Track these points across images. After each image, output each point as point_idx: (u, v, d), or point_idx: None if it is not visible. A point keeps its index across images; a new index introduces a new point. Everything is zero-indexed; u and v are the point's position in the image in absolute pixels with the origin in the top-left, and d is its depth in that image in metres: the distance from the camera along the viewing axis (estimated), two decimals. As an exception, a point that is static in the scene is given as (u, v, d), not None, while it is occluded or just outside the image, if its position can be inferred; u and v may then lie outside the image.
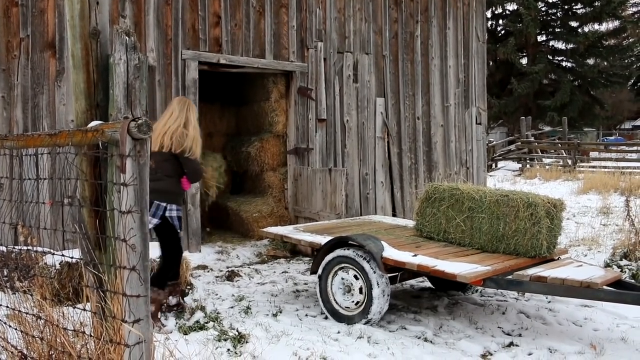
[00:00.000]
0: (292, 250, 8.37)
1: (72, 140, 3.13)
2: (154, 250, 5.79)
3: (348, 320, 5.27)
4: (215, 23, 8.34)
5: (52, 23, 7.16)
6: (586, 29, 33.16)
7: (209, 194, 9.06)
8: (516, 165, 25.60)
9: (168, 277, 5.37)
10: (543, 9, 33.93)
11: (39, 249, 5.55)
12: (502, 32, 34.08)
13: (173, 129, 5.19)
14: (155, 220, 5.16)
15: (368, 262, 5.17)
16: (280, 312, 5.61)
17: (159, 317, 5.14)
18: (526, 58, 33.84)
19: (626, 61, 36.04)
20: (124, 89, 3.08)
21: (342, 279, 5.39)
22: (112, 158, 2.99)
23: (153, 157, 5.15)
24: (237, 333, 4.85)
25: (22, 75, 7.00)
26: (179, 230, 5.37)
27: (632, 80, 39.60)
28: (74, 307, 3.48)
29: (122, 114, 3.06)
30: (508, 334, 5.16)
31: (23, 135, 3.68)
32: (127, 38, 3.11)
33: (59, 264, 5.52)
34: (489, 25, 32.93)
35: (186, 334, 4.89)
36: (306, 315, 5.61)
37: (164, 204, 5.18)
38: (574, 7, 33.57)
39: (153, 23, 7.79)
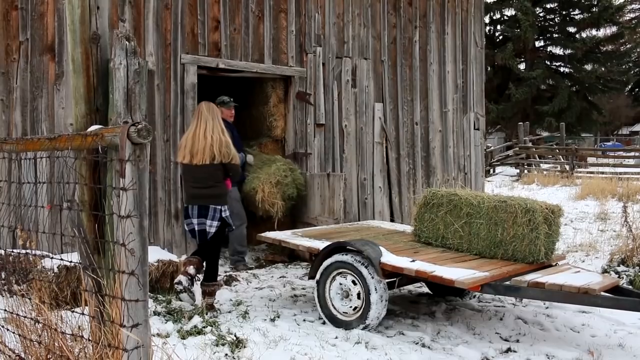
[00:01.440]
0: (290, 255, 8.37)
1: (72, 145, 3.13)
2: (152, 255, 5.81)
3: (346, 325, 5.27)
4: (215, 28, 8.35)
5: (52, 27, 7.17)
6: (584, 35, 33.31)
7: (273, 209, 8.10)
8: (514, 171, 25.66)
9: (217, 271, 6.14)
10: (541, 14, 34.06)
11: (38, 252, 5.55)
12: (500, 37, 34.19)
13: (217, 140, 5.74)
14: (216, 223, 5.81)
15: (366, 267, 5.18)
16: (278, 317, 5.61)
17: (214, 305, 5.93)
18: (524, 63, 33.95)
19: (624, 67, 36.18)
20: (124, 94, 3.09)
21: (340, 284, 5.39)
22: (111, 162, 3.00)
23: (206, 168, 5.72)
24: (234, 338, 4.85)
25: (21, 79, 7.00)
26: (232, 225, 6.14)
27: (629, 86, 39.78)
28: (72, 311, 3.48)
29: (122, 118, 3.07)
30: (506, 340, 5.16)
31: (22, 139, 3.69)
32: (127, 43, 3.11)
33: (57, 267, 5.52)
34: (487, 31, 33.01)
35: (184, 339, 4.89)
36: (304, 320, 5.61)
37: (219, 207, 5.82)
38: (572, 13, 33.71)
39: (152, 27, 7.79)
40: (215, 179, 5.79)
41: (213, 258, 5.98)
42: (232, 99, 8.15)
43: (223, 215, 5.82)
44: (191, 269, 5.82)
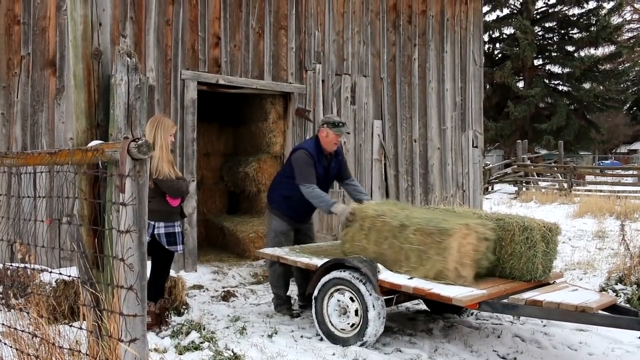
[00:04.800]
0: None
1: (72, 159, 3.15)
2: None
3: (343, 342, 5.26)
4: (215, 44, 8.40)
5: (53, 42, 7.22)
6: (582, 54, 33.48)
7: (462, 272, 5.03)
8: (512, 188, 25.67)
9: (155, 291, 5.63)
10: (540, 33, 34.25)
11: (36, 266, 5.55)
12: (499, 55, 34.35)
13: None
14: (148, 239, 5.36)
15: (364, 284, 5.18)
16: (276, 333, 5.61)
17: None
18: (523, 81, 34.07)
19: (622, 85, 36.39)
20: (125, 110, 3.12)
21: (338, 300, 5.39)
22: (111, 177, 3.02)
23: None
24: (232, 354, 4.84)
25: (22, 93, 7.04)
26: (167, 247, 5.59)
27: (627, 105, 39.93)
28: (70, 326, 3.48)
29: (122, 134, 3.09)
30: (503, 358, 5.16)
31: (23, 154, 3.71)
32: (129, 59, 3.15)
33: (55, 281, 5.52)
34: (486, 49, 33.18)
35: (181, 354, 4.88)
36: (301, 336, 5.60)
37: (152, 222, 5.46)
38: (571, 32, 33.90)
39: (153, 43, 7.85)
40: (151, 194, 5.35)
41: (150, 277, 5.69)
42: (344, 124, 6.46)
43: (155, 232, 5.54)
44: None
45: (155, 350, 4.90)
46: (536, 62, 34.43)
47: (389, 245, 5.31)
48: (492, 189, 26.52)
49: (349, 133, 7.17)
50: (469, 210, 6.25)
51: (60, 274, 3.67)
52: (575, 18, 33.54)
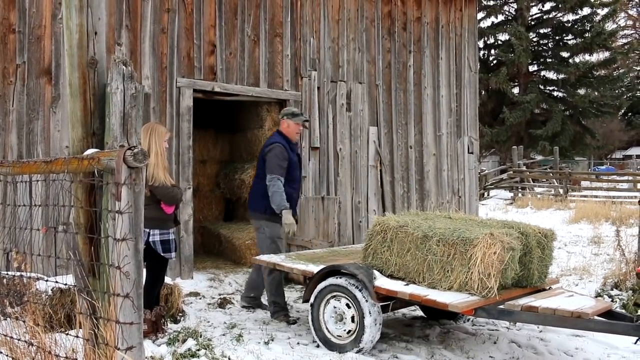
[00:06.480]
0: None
1: (68, 168, 3.16)
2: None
3: (340, 348, 5.26)
4: (211, 51, 8.42)
5: (49, 50, 7.22)
6: (577, 60, 33.57)
7: (488, 282, 4.81)
8: (508, 194, 25.69)
9: (151, 298, 5.59)
10: (535, 39, 34.35)
11: (32, 274, 5.55)
12: (494, 61, 34.42)
13: None
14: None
15: (360, 290, 5.18)
16: (272, 340, 5.60)
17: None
18: (518, 87, 34.16)
19: (617, 91, 36.45)
20: (121, 118, 3.13)
21: (334, 307, 5.39)
22: (107, 186, 3.03)
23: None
24: (228, 361, 4.84)
25: (17, 101, 7.04)
26: (162, 254, 5.57)
27: (622, 110, 40.04)
28: (67, 334, 3.48)
29: (118, 142, 3.10)
30: (499, 364, 5.16)
31: (19, 162, 3.71)
32: (124, 68, 3.16)
33: (51, 290, 5.51)
34: (481, 55, 33.29)
35: (178, 362, 4.88)
36: (298, 343, 5.60)
37: (147, 230, 5.43)
38: (565, 38, 34.01)
39: (149, 51, 7.86)
40: (146, 201, 5.43)
41: (145, 284, 5.49)
42: (302, 113, 6.91)
43: (150, 239, 5.51)
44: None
45: (152, 358, 4.89)
46: (531, 68, 34.54)
47: (412, 256, 5.20)
48: (488, 194, 26.54)
49: (307, 120, 7.25)
50: (495, 219, 6.09)
51: (57, 282, 3.67)
52: (569, 24, 33.65)
